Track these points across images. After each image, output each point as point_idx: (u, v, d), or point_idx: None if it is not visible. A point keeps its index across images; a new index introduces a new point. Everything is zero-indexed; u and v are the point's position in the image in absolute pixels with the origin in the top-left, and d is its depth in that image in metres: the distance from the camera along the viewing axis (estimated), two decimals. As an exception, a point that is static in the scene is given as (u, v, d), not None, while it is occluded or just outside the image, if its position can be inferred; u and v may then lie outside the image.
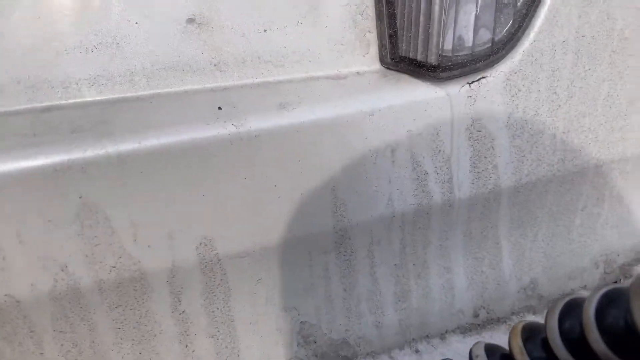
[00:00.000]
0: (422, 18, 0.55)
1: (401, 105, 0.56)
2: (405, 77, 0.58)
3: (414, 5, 0.55)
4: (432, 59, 0.55)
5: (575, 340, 0.29)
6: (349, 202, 0.57)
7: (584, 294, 0.31)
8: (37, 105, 0.53)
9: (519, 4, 0.58)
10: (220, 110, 0.51)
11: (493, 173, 0.63)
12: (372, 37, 0.61)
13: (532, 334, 0.35)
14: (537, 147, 0.64)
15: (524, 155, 0.64)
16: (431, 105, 0.57)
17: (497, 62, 0.59)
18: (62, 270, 0.50)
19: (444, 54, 0.55)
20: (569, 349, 0.30)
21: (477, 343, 0.42)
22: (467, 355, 0.43)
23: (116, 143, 0.47)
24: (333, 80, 0.58)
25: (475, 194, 0.63)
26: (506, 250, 0.70)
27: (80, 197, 0.48)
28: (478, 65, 0.58)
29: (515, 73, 0.60)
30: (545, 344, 0.32)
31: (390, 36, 0.59)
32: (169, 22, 0.54)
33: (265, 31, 0.57)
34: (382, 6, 0.58)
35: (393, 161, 0.57)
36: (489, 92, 0.59)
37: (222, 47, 0.56)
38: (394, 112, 0.55)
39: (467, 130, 0.59)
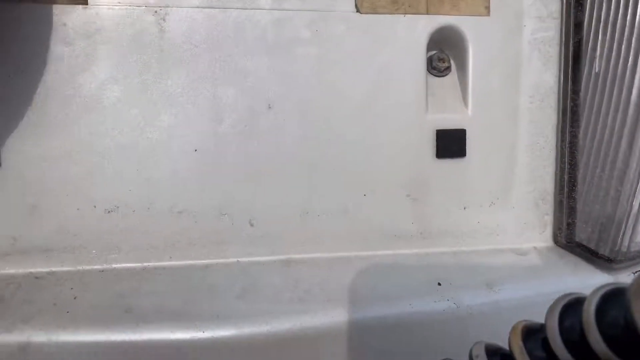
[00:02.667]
0: (605, 222, 0.64)
1: (579, 290, 0.65)
2: (582, 262, 0.67)
3: (597, 207, 0.65)
4: (609, 254, 0.65)
5: (576, 340, 0.29)
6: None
7: (584, 293, 0.30)
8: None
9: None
10: (440, 286, 0.61)
11: None
12: (549, 219, 0.70)
13: (532, 334, 0.34)
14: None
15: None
16: (603, 290, 0.66)
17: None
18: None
19: (620, 250, 0.65)
20: (569, 348, 0.29)
21: (477, 343, 0.40)
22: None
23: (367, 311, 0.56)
24: (516, 256, 0.68)
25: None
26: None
27: None
28: (644, 258, 0.67)
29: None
30: (546, 343, 0.31)
31: (569, 224, 0.68)
32: (395, 198, 0.65)
33: (464, 208, 0.67)
34: (564, 198, 0.68)
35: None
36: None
37: (429, 219, 0.67)
38: (573, 295, 0.64)
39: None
